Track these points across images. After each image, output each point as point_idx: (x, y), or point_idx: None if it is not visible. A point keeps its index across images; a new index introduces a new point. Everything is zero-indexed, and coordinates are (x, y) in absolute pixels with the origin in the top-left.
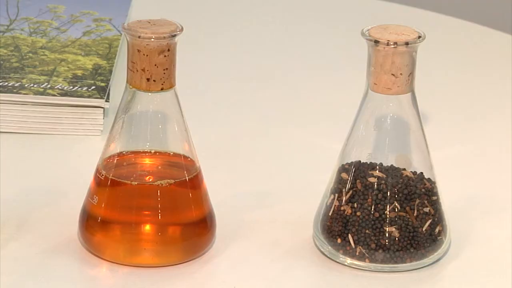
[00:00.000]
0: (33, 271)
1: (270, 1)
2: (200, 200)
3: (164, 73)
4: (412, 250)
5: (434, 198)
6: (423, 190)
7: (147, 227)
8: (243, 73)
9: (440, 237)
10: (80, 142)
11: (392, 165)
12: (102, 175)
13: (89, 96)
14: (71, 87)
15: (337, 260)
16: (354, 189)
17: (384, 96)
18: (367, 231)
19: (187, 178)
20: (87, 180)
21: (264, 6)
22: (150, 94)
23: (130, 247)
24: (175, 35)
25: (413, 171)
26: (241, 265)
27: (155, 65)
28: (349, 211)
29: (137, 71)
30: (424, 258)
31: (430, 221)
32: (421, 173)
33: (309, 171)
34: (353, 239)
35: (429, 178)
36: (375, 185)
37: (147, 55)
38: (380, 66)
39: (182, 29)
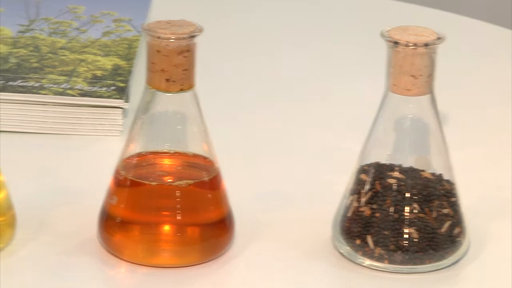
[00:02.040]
0: (52, 271)
1: (289, 2)
2: (219, 200)
3: (184, 74)
4: (431, 252)
5: (453, 199)
6: (442, 191)
7: (166, 227)
8: (263, 74)
9: (459, 239)
10: (99, 142)
11: (411, 166)
12: (121, 175)
13: (108, 97)
14: (91, 88)
15: (356, 261)
16: (374, 190)
17: (403, 97)
18: (386, 232)
19: (206, 178)
20: (106, 180)
21: (283, 6)
22: (169, 94)
23: (149, 248)
24: (194, 36)
25: (432, 172)
26: (259, 266)
27: (175, 65)
28: (368, 212)
29: (156, 71)
30: (443, 259)
31: (449, 222)
32: (440, 174)
33: (329, 172)
34: (372, 240)
35: (448, 180)
36: (395, 186)
37: (166, 56)
38: (399, 67)
39: (201, 30)
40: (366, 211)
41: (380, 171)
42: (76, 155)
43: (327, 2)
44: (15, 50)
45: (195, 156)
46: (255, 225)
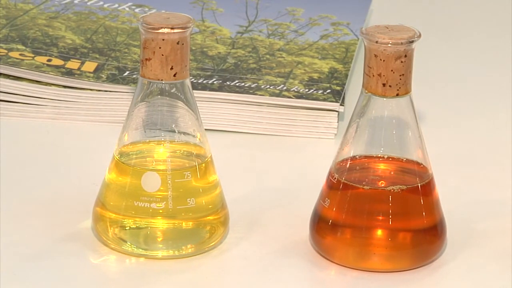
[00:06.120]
0: (262, 270)
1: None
2: (432, 207)
3: (400, 79)
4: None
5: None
6: None
7: (378, 232)
8: (480, 80)
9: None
10: (313, 144)
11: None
12: (335, 178)
13: (324, 100)
14: (307, 90)
15: None
16: None
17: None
18: None
19: (419, 184)
20: (319, 182)
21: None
22: (385, 99)
23: (360, 251)
24: (412, 41)
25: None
26: (471, 275)
27: (392, 70)
28: None
29: (373, 76)
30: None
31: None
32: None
33: None
34: None
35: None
36: None
37: (383, 60)
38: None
39: (420, 36)
40: None
41: None
42: (290, 157)
43: None
44: (233, 51)
45: (409, 161)
46: (470, 233)
